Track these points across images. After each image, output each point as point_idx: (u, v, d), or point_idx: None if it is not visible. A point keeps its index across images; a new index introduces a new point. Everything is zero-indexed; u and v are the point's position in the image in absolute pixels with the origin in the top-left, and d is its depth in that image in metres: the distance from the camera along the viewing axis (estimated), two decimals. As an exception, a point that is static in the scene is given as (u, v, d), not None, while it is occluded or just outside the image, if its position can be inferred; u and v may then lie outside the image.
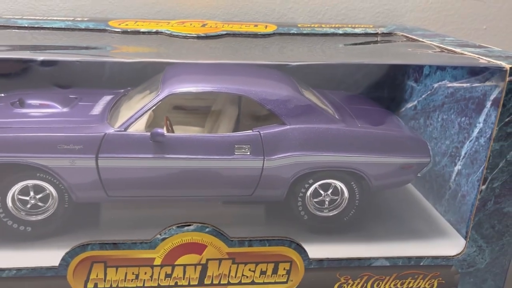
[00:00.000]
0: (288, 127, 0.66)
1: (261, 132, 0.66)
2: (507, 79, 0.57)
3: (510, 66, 0.57)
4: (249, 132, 0.66)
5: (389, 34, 0.85)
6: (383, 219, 0.76)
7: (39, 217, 0.66)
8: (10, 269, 0.58)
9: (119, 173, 0.64)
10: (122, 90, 0.77)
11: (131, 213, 0.73)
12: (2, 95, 0.74)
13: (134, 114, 0.64)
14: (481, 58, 0.61)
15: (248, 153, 0.65)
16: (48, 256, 0.61)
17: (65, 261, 0.58)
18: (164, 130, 0.63)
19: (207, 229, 0.59)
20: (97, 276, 0.60)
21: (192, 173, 0.65)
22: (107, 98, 0.73)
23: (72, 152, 0.62)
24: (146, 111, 0.64)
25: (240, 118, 0.70)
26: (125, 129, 0.63)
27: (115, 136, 0.63)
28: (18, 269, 0.58)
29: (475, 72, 0.67)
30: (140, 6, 0.90)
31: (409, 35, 0.82)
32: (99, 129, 0.63)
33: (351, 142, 0.68)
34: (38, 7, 0.88)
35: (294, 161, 0.67)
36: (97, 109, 0.69)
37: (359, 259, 0.64)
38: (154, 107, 0.65)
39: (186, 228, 0.59)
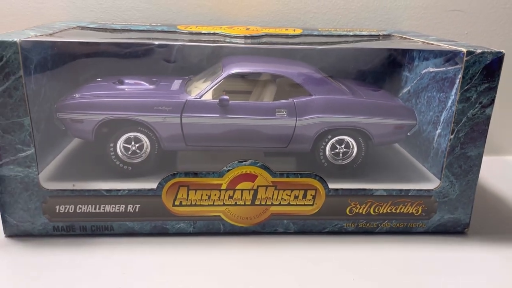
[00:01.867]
0: (314, 97, 0.86)
1: (294, 100, 0.85)
2: (465, 58, 0.73)
3: (466, 50, 0.74)
4: (286, 100, 0.86)
5: (388, 35, 1.00)
6: (382, 170, 0.92)
7: (137, 160, 0.86)
8: (124, 190, 0.77)
9: (195, 128, 0.84)
10: (187, 77, 0.96)
11: (194, 162, 0.92)
12: (99, 79, 0.93)
13: (206, 87, 0.85)
14: (446, 46, 0.79)
15: (285, 115, 0.85)
16: (147, 184, 0.80)
17: (161, 184, 0.77)
18: (228, 98, 0.84)
19: (258, 164, 0.77)
20: (182, 196, 0.77)
21: (246, 129, 0.84)
22: (178, 81, 0.93)
23: (164, 111, 0.83)
24: (214, 86, 0.85)
25: (278, 91, 0.89)
26: (200, 97, 0.85)
27: (193, 102, 0.84)
28: (129, 190, 0.77)
29: (448, 59, 0.81)
30: (196, 15, 1.10)
31: (402, 36, 0.98)
32: (182, 97, 0.84)
33: (359, 108, 0.86)
34: (120, 16, 1.09)
35: (318, 121, 0.85)
36: (175, 87, 0.89)
37: (364, 189, 0.80)
38: (219, 83, 0.85)
39: (244, 162, 0.77)
